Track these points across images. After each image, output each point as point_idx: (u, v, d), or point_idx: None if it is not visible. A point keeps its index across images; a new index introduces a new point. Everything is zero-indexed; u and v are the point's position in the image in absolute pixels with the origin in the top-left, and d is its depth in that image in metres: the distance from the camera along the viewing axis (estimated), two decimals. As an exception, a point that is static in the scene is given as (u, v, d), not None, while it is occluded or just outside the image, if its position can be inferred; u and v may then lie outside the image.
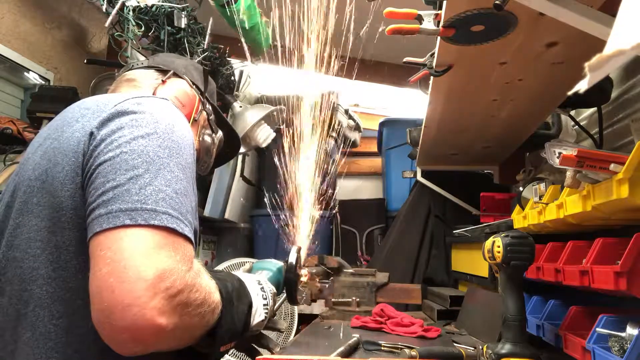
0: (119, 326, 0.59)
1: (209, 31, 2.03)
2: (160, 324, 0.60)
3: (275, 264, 1.13)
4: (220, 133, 1.21)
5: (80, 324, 0.70)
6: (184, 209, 0.69)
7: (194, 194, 0.76)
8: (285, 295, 1.13)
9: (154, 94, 1.01)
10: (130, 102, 0.76)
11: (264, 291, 0.94)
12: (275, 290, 1.01)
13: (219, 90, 2.21)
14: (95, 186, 0.68)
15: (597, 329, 0.85)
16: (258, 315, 0.89)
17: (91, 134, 0.72)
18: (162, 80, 1.05)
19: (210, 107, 1.17)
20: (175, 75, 1.08)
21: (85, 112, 0.77)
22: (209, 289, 0.72)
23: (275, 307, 1.20)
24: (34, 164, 0.77)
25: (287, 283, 1.09)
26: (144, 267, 0.60)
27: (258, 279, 0.96)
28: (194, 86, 1.11)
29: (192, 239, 0.70)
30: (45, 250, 0.71)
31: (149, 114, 0.74)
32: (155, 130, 0.72)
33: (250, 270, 1.11)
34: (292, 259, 1.09)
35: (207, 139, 1.14)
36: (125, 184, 0.66)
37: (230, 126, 1.30)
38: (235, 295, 0.83)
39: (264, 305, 0.92)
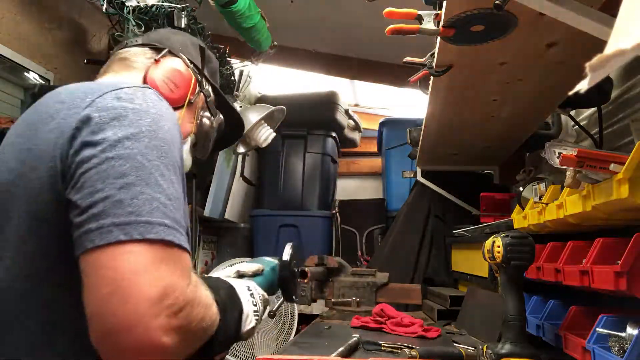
0: (124, 348, 0.57)
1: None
2: (164, 342, 0.58)
3: (268, 262, 1.11)
4: (220, 116, 1.14)
5: (57, 340, 0.67)
6: (178, 214, 0.67)
7: (184, 193, 0.73)
8: (282, 300, 1.11)
9: (145, 74, 0.96)
10: (109, 96, 0.71)
11: (253, 297, 0.92)
12: (266, 296, 0.99)
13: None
14: (81, 196, 0.63)
15: (597, 329, 0.85)
16: (249, 322, 0.88)
17: (71, 137, 0.67)
18: (155, 60, 0.98)
19: (209, 88, 1.10)
20: (171, 53, 1.01)
21: (59, 107, 0.71)
22: (208, 302, 0.70)
23: (275, 307, 1.19)
24: (7, 167, 0.72)
25: (281, 281, 1.08)
26: (146, 285, 0.58)
27: (247, 285, 0.94)
28: (192, 64, 1.04)
29: (188, 247, 0.67)
30: (18, 262, 0.67)
31: (130, 110, 0.69)
32: (140, 129, 0.68)
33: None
34: (285, 256, 1.08)
35: (206, 122, 1.07)
36: (116, 195, 0.62)
37: (233, 107, 1.24)
38: (227, 303, 0.81)
39: (255, 311, 0.90)
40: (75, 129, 0.67)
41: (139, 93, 0.74)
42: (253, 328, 0.89)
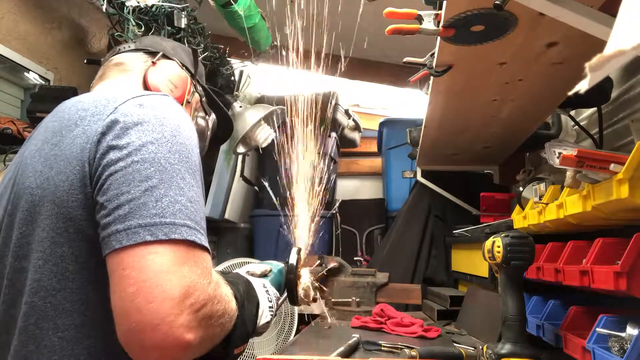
0: (149, 345, 0.60)
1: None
2: (188, 339, 0.61)
3: (276, 265, 1.13)
4: (213, 115, 1.19)
5: (87, 336, 0.69)
6: (199, 216, 0.70)
7: (203, 196, 0.77)
8: (285, 295, 1.13)
9: (145, 76, 0.98)
10: (131, 103, 0.74)
11: (268, 294, 0.95)
12: (278, 294, 1.02)
13: (219, 90, 2.21)
14: (108, 198, 0.66)
15: (597, 329, 0.85)
16: (264, 317, 0.91)
17: (97, 141, 0.70)
18: (152, 62, 1.01)
19: (201, 89, 1.14)
20: (165, 56, 1.05)
21: (83, 114, 0.74)
22: (228, 298, 0.73)
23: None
24: (34, 171, 0.74)
25: (288, 284, 1.10)
26: (169, 285, 0.61)
27: (263, 282, 0.98)
28: (184, 67, 1.08)
29: (209, 247, 0.70)
30: (48, 262, 0.69)
31: (153, 116, 0.72)
32: (163, 135, 0.70)
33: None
34: (292, 260, 1.09)
35: (201, 121, 1.12)
36: (141, 197, 0.65)
37: (223, 108, 1.28)
38: (245, 298, 0.85)
39: (270, 307, 0.93)
40: (101, 134, 0.70)
41: (159, 100, 0.77)
42: (268, 323, 0.93)
